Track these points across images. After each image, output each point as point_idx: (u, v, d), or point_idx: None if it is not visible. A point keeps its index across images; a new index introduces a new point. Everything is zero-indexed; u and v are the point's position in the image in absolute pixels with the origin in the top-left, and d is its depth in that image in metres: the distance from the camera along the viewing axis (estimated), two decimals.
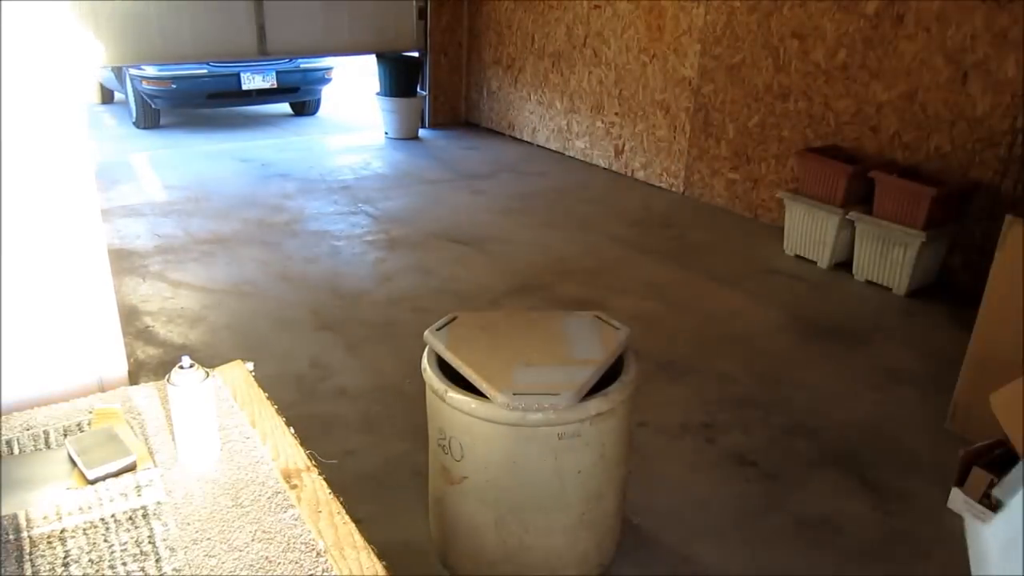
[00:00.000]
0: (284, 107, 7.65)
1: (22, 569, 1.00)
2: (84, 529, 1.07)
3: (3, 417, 1.32)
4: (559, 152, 6.08)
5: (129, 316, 3.25)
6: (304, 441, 1.29)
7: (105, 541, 1.05)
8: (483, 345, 1.83)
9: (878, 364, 3.03)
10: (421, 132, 6.72)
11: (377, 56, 6.49)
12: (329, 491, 1.17)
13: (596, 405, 1.69)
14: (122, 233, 4.26)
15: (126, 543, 1.05)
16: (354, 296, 3.57)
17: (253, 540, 1.06)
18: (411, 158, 6.07)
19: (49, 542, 1.04)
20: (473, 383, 1.70)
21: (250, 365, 1.51)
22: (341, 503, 1.14)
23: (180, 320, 3.28)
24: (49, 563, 1.01)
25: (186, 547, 1.04)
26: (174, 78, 6.29)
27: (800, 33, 4.13)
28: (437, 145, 6.47)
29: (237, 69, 6.40)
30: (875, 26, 3.78)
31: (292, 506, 1.13)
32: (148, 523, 1.08)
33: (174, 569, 1.01)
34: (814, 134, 4.19)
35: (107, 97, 8.01)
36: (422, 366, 1.83)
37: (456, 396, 1.70)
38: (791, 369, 2.98)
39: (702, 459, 2.44)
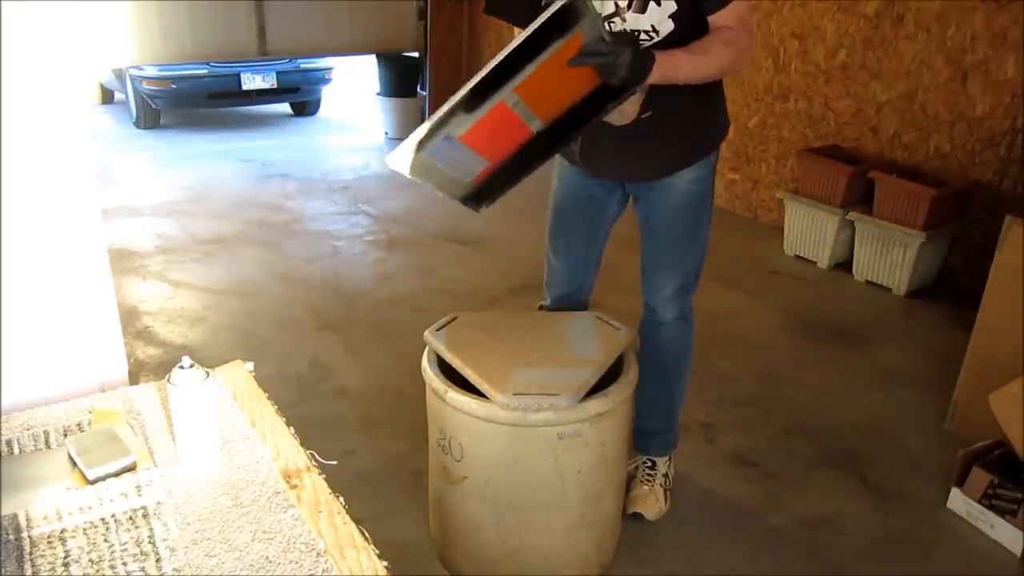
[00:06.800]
0: (284, 107, 7.65)
1: (22, 569, 1.00)
2: (84, 529, 1.07)
3: (3, 417, 1.32)
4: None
5: (129, 316, 3.25)
6: (304, 441, 1.29)
7: (105, 541, 1.05)
8: (483, 345, 1.83)
9: (878, 364, 3.03)
10: None
11: (377, 56, 6.49)
12: (329, 491, 1.17)
13: (596, 405, 1.69)
14: (122, 233, 4.26)
15: (126, 543, 1.05)
16: (354, 296, 3.57)
17: (253, 540, 1.06)
18: None
19: (49, 542, 1.04)
20: (473, 383, 1.70)
21: (250, 365, 1.51)
22: (341, 503, 1.14)
23: (180, 320, 3.28)
24: (49, 563, 1.01)
25: (186, 547, 1.05)
26: (174, 78, 6.29)
27: (800, 33, 4.13)
28: None
29: (237, 69, 6.40)
30: (875, 26, 3.78)
31: (292, 506, 1.13)
32: (148, 523, 1.08)
33: (174, 569, 1.01)
34: (814, 134, 4.19)
35: (107, 97, 8.01)
36: (422, 366, 1.83)
37: (456, 396, 1.70)
38: (791, 369, 2.98)
39: (702, 459, 2.44)
